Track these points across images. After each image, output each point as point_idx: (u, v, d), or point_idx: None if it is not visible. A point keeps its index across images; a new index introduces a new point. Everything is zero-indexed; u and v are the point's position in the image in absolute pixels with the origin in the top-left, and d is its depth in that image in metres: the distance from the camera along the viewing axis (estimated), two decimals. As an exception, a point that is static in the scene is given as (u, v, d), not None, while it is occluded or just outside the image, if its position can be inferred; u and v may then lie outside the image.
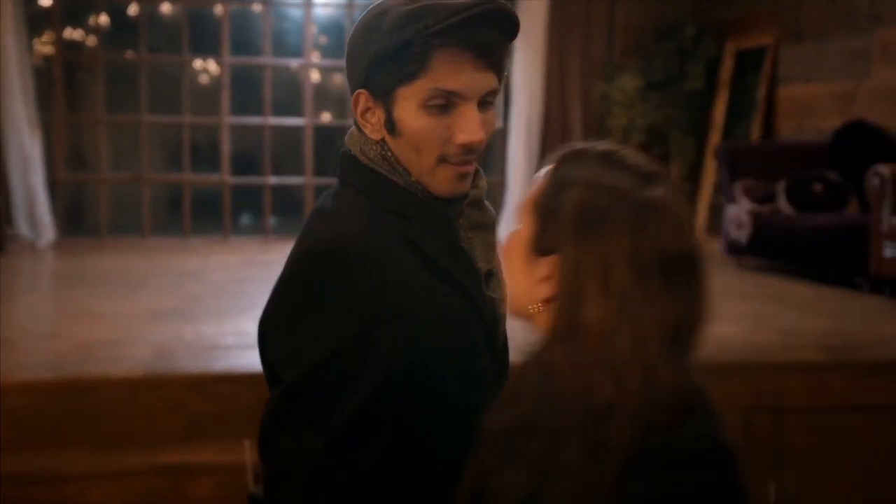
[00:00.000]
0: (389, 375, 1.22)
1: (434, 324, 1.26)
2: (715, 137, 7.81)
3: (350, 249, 1.25)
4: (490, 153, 8.83)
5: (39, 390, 3.35)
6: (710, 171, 7.78)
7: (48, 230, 7.67)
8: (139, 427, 3.26)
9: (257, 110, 8.24)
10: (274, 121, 8.25)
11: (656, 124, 7.88)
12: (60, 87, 8.03)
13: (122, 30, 8.18)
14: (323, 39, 8.53)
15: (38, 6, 7.91)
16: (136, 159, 8.19)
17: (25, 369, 3.59)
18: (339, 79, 8.62)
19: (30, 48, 7.75)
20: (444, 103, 1.29)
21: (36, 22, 7.91)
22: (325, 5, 8.45)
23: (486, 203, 1.45)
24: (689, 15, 7.98)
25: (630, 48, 8.13)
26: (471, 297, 1.33)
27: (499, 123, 8.57)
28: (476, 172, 1.41)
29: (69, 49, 8.14)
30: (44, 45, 8.07)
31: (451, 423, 1.27)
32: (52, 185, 7.84)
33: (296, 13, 8.35)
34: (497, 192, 8.49)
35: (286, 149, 8.51)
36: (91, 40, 8.18)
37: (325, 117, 8.56)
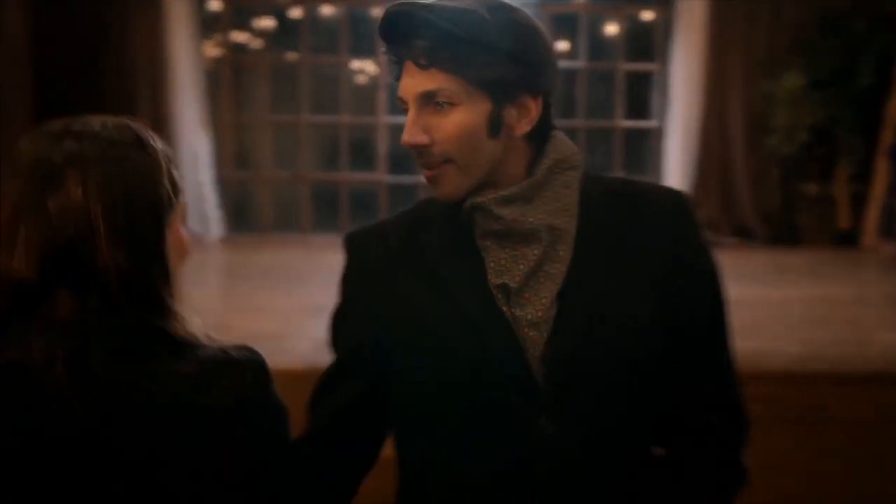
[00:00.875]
0: (345, 348, 1.38)
1: (392, 317, 1.33)
2: (888, 136, 7.44)
3: (351, 238, 1.41)
4: (645, 153, 8.69)
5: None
6: (883, 172, 7.41)
7: (216, 226, 8.02)
8: (303, 419, 3.36)
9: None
10: (429, 120, 8.35)
11: (821, 123, 7.58)
12: (228, 88, 8.38)
13: (285, 32, 8.45)
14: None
15: (208, 10, 8.27)
16: (297, 158, 8.46)
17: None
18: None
19: (200, 51, 8.11)
20: (406, 108, 1.31)
21: (205, 25, 8.27)
22: (480, 5, 8.50)
23: (521, 210, 1.29)
24: (857, 9, 7.63)
25: (794, 45, 7.84)
26: (459, 304, 1.30)
27: (654, 122, 8.43)
28: (494, 181, 1.30)
29: (236, 51, 8.47)
30: (212, 48, 8.44)
31: (420, 422, 1.35)
32: (220, 183, 8.18)
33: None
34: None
35: (441, 148, 8.59)
36: (256, 42, 8.49)
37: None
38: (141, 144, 1.16)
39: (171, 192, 1.16)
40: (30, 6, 7.61)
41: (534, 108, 1.28)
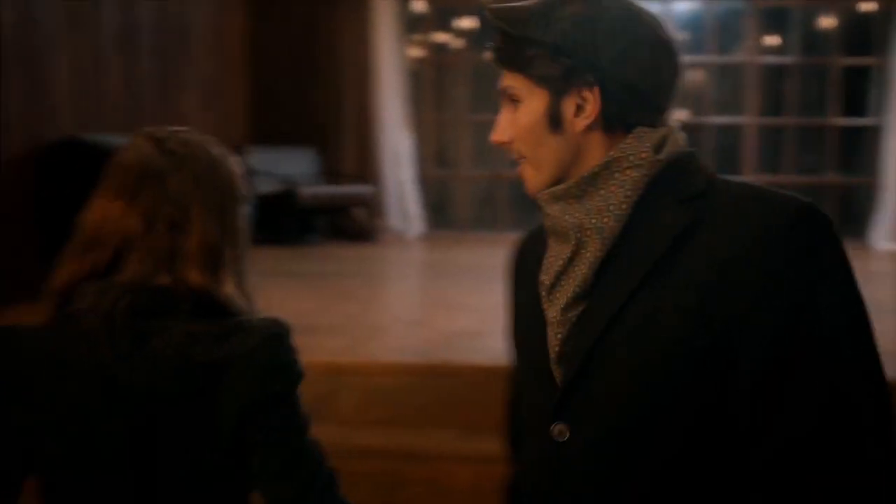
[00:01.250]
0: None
1: (510, 314, 1.43)
2: None
3: (519, 237, 1.50)
4: (861, 152, 8.22)
5: (410, 373, 3.57)
6: None
7: (416, 223, 8.20)
8: (501, 415, 3.37)
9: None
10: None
11: None
12: (429, 87, 8.55)
13: (486, 31, 8.51)
14: (680, 35, 8.37)
15: (412, 12, 8.47)
16: (495, 157, 8.51)
17: (397, 352, 3.85)
18: (697, 75, 8.42)
19: (403, 52, 8.32)
20: None
21: (409, 26, 8.47)
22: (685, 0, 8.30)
23: (564, 207, 1.28)
24: None
25: None
26: (522, 298, 1.36)
27: (872, 120, 7.94)
28: (563, 181, 1.30)
29: (438, 51, 8.63)
30: (415, 49, 8.63)
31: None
32: (421, 181, 8.36)
33: (653, 8, 8.26)
34: (865, 194, 7.88)
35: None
36: (458, 42, 8.61)
37: (682, 115, 8.38)
38: (224, 155, 1.44)
39: (244, 195, 1.44)
40: (249, 13, 8.05)
41: (591, 101, 1.25)
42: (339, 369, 3.54)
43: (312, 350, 3.77)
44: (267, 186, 7.29)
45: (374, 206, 7.98)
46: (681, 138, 1.28)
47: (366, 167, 8.12)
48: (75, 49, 5.53)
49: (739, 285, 1.15)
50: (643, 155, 1.24)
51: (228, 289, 1.35)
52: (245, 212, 1.44)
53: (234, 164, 1.45)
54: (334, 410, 3.42)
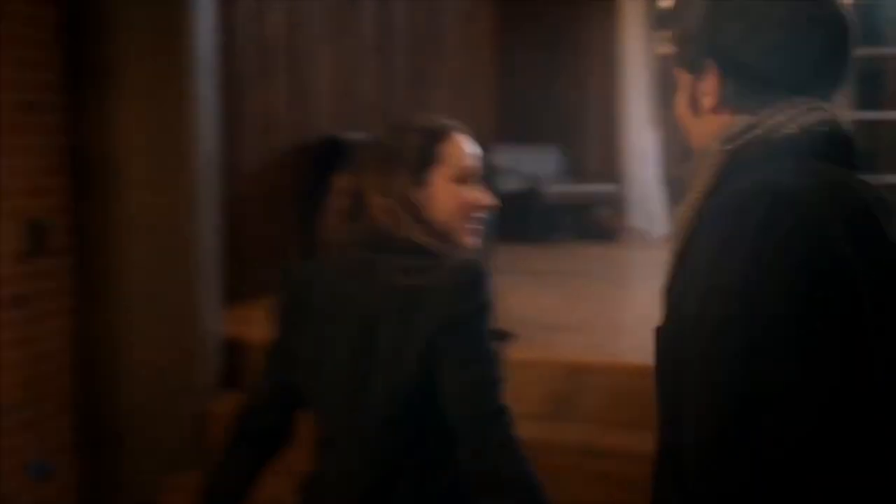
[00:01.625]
0: None
1: None
2: None
3: None
4: None
5: (652, 375, 3.51)
6: None
7: (661, 223, 8.04)
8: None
9: (876, 105, 7.75)
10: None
11: None
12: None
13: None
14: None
15: (659, 8, 8.32)
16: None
17: (640, 353, 3.77)
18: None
19: (651, 49, 8.18)
20: None
21: (657, 22, 8.32)
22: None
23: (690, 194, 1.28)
24: None
25: None
26: None
27: None
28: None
29: (687, 48, 8.42)
30: (663, 45, 8.46)
31: None
32: (666, 181, 8.20)
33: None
34: None
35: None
36: (709, 38, 8.38)
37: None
38: (405, 130, 1.73)
39: (418, 162, 1.68)
40: (496, 11, 8.18)
41: (712, 80, 1.27)
42: (583, 368, 3.54)
43: (556, 347, 3.80)
44: (512, 184, 7.39)
45: (618, 205, 7.91)
46: (787, 124, 1.21)
47: (610, 166, 8.06)
48: (336, 51, 5.83)
49: (686, 270, 1.19)
50: (714, 146, 1.26)
51: (423, 238, 1.64)
52: (441, 180, 1.70)
53: (425, 135, 1.71)
54: (577, 409, 3.43)
